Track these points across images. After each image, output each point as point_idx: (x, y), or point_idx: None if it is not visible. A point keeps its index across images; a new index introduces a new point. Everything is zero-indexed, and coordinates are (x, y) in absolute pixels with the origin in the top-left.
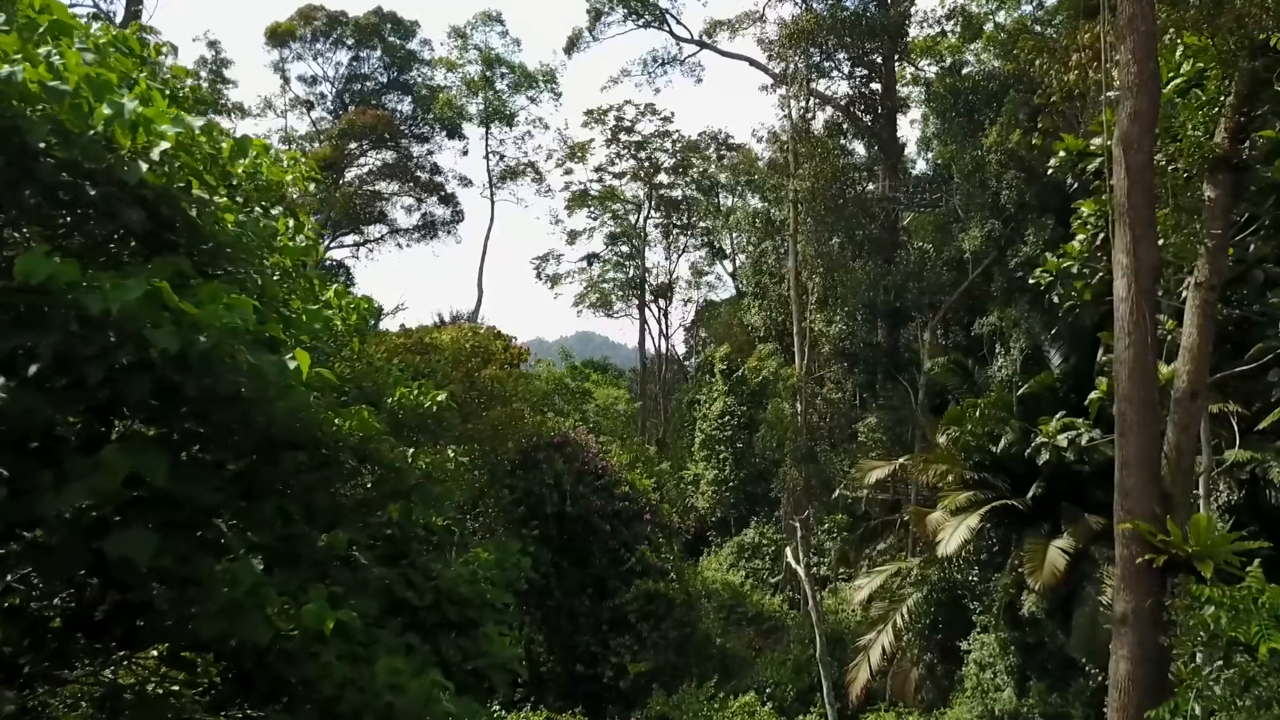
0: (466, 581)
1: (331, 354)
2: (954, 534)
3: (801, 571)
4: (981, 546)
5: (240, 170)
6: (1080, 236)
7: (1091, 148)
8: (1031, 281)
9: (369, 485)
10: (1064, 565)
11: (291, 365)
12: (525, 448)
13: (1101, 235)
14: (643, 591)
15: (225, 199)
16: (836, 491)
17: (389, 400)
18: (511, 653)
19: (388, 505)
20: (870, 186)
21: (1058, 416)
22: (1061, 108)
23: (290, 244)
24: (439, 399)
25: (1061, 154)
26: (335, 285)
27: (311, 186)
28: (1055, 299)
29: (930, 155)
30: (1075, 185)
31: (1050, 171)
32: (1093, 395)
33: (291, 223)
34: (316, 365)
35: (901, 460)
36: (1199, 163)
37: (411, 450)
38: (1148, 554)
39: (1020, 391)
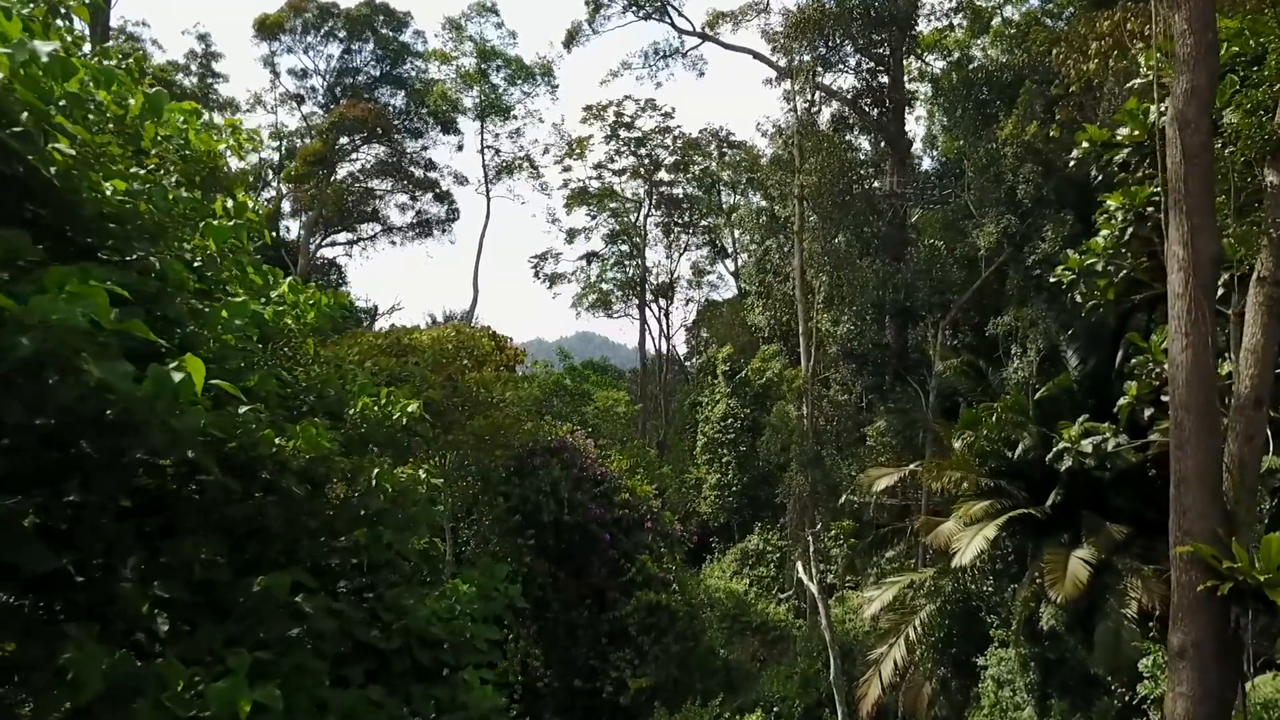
0: (442, 619)
1: (280, 359)
2: (970, 545)
3: (814, 589)
4: (996, 556)
5: (156, 134)
6: (1105, 232)
7: (1118, 138)
8: (1052, 280)
9: (328, 513)
10: (1086, 577)
11: (179, 376)
12: (520, 453)
13: (1130, 230)
14: (643, 603)
15: (149, 171)
16: (843, 497)
17: (350, 411)
18: (493, 703)
19: (350, 532)
20: (876, 183)
21: (1080, 420)
22: (1079, 98)
23: (219, 224)
24: (410, 409)
25: (1084, 145)
26: (290, 278)
27: (253, 157)
28: (1078, 298)
29: (935, 152)
30: (1099, 178)
31: (1071, 164)
32: (1123, 400)
33: (231, 203)
34: (256, 371)
35: (911, 467)
36: (1259, 146)
37: (376, 471)
38: (1210, 580)
39: (1038, 395)
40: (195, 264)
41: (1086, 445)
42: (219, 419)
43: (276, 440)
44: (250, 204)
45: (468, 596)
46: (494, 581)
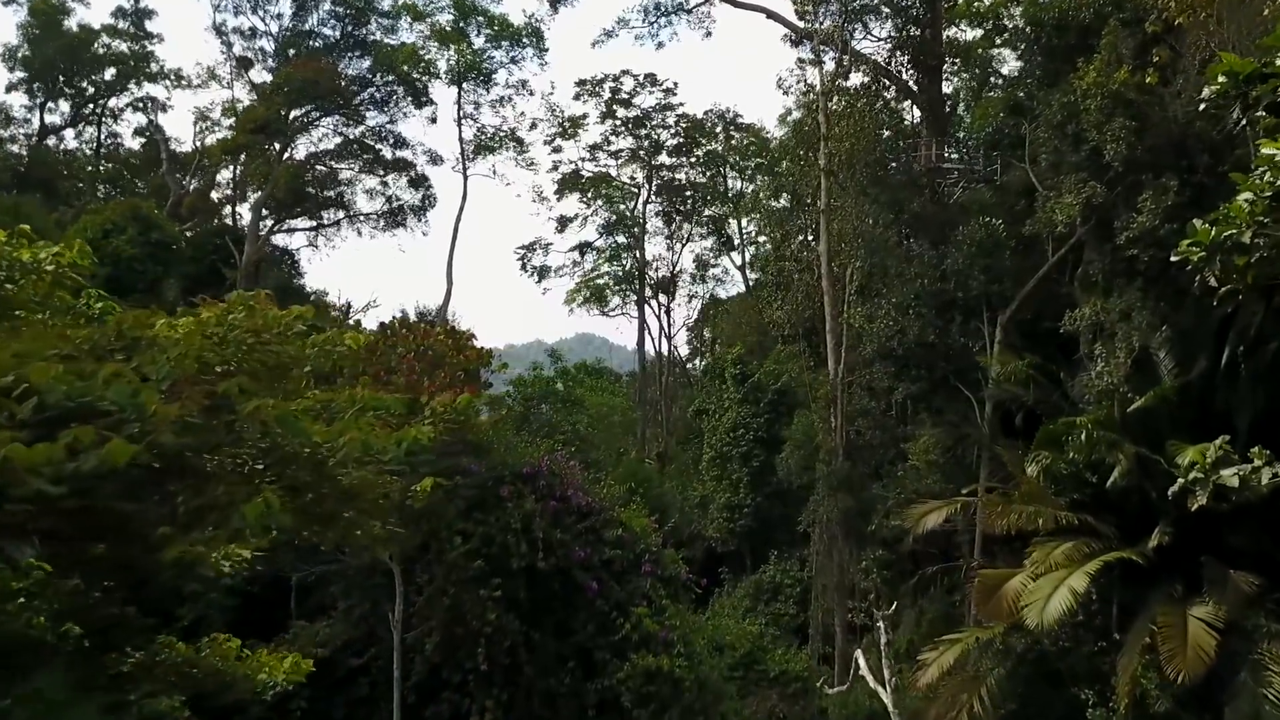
0: None
1: None
2: (1053, 598)
3: (888, 699)
4: (1078, 608)
5: None
6: (1246, 195)
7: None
8: (1174, 258)
9: None
10: (1212, 646)
11: None
12: (483, 480)
13: None
14: (640, 669)
15: None
16: (874, 523)
17: None
18: None
19: None
20: (915, 153)
21: (1218, 443)
22: (1174, 41)
23: None
24: None
25: (1220, 80)
26: None
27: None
28: (1211, 280)
29: (962, 134)
30: (1242, 123)
31: (1202, 106)
32: None
33: None
34: None
35: (965, 496)
36: None
37: None
38: None
39: (1132, 406)
40: None
41: (1229, 476)
42: None
43: None
44: None
45: None
46: None
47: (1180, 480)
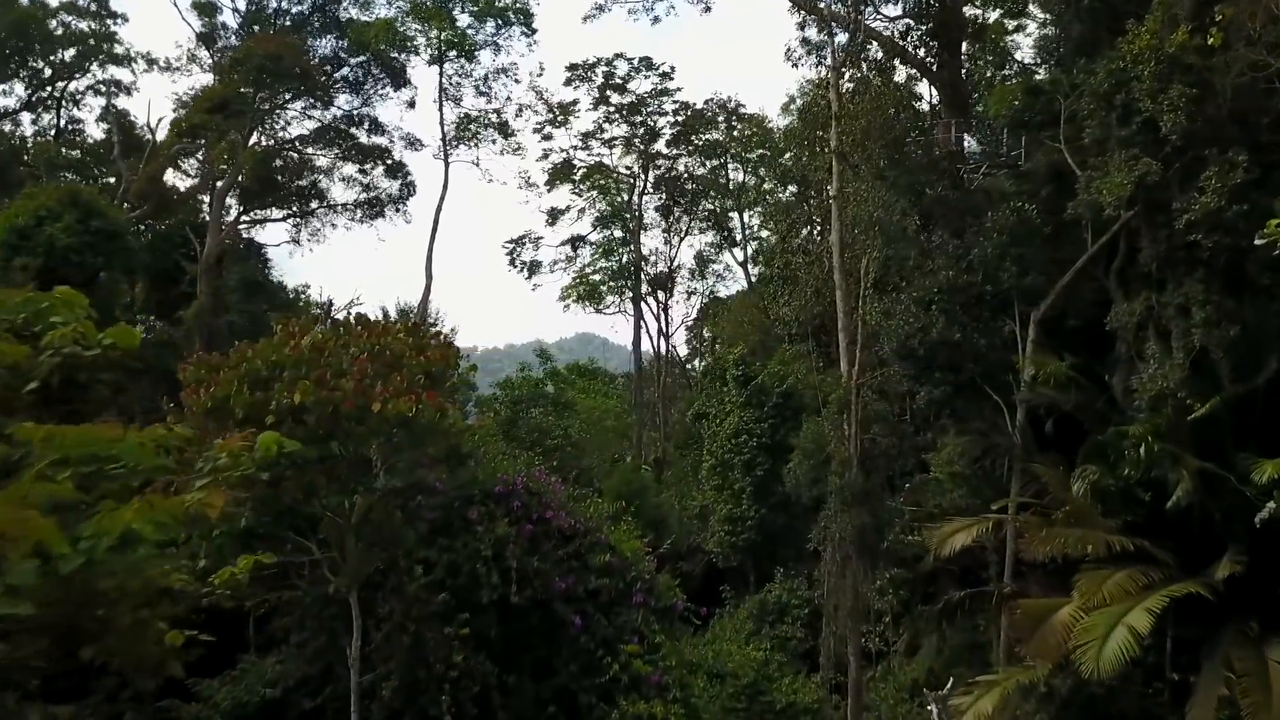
0: None
1: None
2: (1110, 641)
3: None
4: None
5: None
6: None
7: None
8: (1259, 241)
9: None
10: None
11: None
12: (449, 500)
13: None
14: (630, 716)
15: None
16: (891, 537)
17: None
18: None
19: None
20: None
21: None
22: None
23: None
24: None
25: None
26: None
27: None
28: None
29: (982, 113)
30: None
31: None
32: None
33: None
34: None
35: (995, 511)
36: None
37: None
38: None
39: (1192, 415)
40: None
41: None
42: None
43: None
44: None
45: None
46: None
47: (1271, 504)
